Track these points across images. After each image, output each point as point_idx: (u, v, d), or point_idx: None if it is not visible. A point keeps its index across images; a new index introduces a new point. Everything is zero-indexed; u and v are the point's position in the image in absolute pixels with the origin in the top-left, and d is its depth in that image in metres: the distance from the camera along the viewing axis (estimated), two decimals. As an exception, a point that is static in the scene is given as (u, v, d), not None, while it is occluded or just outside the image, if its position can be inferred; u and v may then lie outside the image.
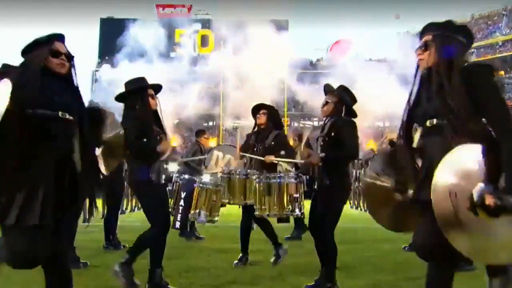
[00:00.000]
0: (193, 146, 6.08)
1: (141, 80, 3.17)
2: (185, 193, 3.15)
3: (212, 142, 27.31)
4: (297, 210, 3.29)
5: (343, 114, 3.21)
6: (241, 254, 4.16)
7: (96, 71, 30.80)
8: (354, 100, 3.27)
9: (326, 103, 3.24)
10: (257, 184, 3.52)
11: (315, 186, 3.17)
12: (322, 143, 3.17)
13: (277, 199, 3.35)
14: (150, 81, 3.29)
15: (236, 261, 4.09)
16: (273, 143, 3.97)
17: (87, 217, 8.17)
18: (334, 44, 34.41)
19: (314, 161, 3.09)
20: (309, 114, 33.46)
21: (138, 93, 3.09)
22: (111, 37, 25.75)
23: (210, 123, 33.75)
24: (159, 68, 21.98)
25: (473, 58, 31.45)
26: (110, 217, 4.88)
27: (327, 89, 3.33)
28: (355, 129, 3.13)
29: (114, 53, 24.13)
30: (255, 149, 4.05)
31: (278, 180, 3.38)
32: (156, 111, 3.16)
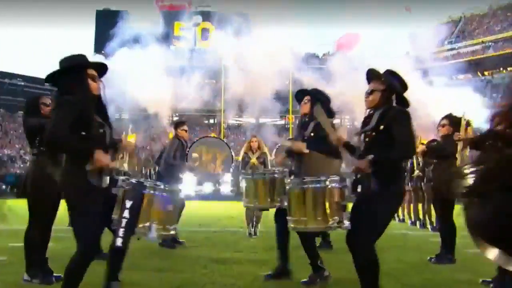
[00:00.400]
0: (172, 142, 5.57)
1: (80, 57, 2.64)
2: (131, 202, 2.46)
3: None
4: (346, 221, 2.71)
5: (394, 104, 2.75)
6: (277, 265, 3.64)
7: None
8: (405, 86, 2.80)
9: (371, 92, 2.77)
10: (290, 190, 2.97)
11: (359, 190, 2.70)
12: (367, 139, 2.70)
13: (318, 209, 2.77)
14: (149, 75, 2.80)
15: (267, 273, 3.61)
16: (312, 134, 3.46)
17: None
18: (341, 38, 33.96)
19: (362, 167, 2.61)
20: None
21: (75, 74, 2.53)
22: (107, 30, 25.41)
23: (211, 121, 33.41)
24: (157, 61, 21.70)
25: (491, 52, 30.83)
26: None
27: (372, 74, 2.85)
28: (409, 120, 2.65)
29: (110, 46, 23.80)
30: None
31: (317, 185, 2.81)
32: (100, 98, 2.62)
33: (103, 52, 25.61)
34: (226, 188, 20.53)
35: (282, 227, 3.48)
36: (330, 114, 3.60)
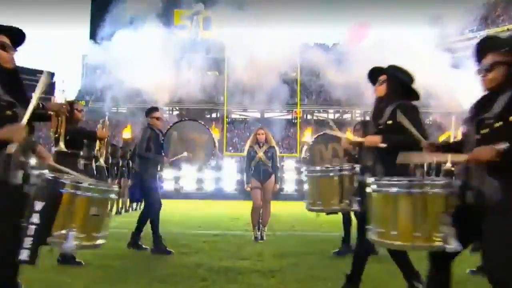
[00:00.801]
0: (144, 132, 5.07)
1: None
2: (42, 204, 1.99)
3: (216, 136, 26.48)
4: (454, 242, 2.09)
5: None
6: None
7: (87, 55, 30.25)
8: None
9: (492, 67, 2.14)
10: (375, 194, 2.39)
11: (471, 198, 2.14)
12: (486, 130, 2.08)
13: (417, 222, 2.17)
14: (147, 68, 2.35)
15: None
16: (390, 122, 2.89)
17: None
18: (351, 28, 33.51)
19: (483, 156, 1.99)
20: (325, 105, 32.52)
21: None
22: (103, 17, 25.02)
23: (214, 115, 33.04)
24: (156, 52, 21.36)
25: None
26: None
27: (489, 44, 2.21)
28: None
29: (106, 34, 23.46)
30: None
31: (414, 190, 2.20)
32: (13, 71, 2.19)
33: (98, 41, 25.37)
34: (229, 186, 20.17)
35: (366, 244, 2.85)
36: (414, 95, 3.04)
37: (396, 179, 2.32)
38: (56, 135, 3.06)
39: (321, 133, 5.77)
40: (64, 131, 3.03)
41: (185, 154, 4.98)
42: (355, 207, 2.62)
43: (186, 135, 5.14)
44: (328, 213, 3.08)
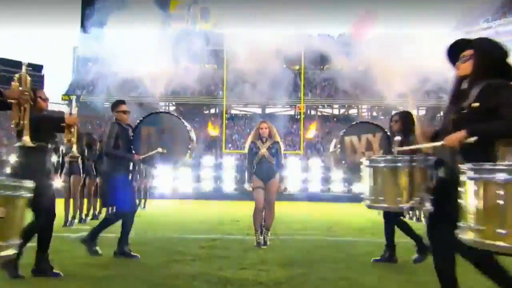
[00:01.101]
0: (111, 128, 4.77)
1: None
2: None
3: (215, 132, 26.22)
4: None
5: None
6: None
7: (77, 47, 29.95)
8: None
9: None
10: (471, 182, 2.09)
11: None
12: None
13: None
14: (142, 61, 2.02)
15: None
16: (476, 104, 2.51)
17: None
18: (357, 19, 33.27)
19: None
20: (330, 100, 32.22)
21: None
22: (95, 5, 24.70)
23: (212, 110, 32.76)
24: (152, 43, 21.06)
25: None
26: (41, 228, 3.63)
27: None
28: None
29: (99, 24, 23.14)
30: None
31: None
32: None
33: (89, 32, 25.05)
34: (229, 185, 19.88)
35: (445, 249, 2.44)
36: (508, 74, 2.59)
37: (504, 163, 2.01)
38: (19, 127, 2.74)
39: (354, 123, 5.41)
40: (28, 122, 2.71)
41: (159, 149, 4.66)
42: (428, 206, 2.27)
43: (160, 129, 4.84)
44: (396, 213, 2.65)
